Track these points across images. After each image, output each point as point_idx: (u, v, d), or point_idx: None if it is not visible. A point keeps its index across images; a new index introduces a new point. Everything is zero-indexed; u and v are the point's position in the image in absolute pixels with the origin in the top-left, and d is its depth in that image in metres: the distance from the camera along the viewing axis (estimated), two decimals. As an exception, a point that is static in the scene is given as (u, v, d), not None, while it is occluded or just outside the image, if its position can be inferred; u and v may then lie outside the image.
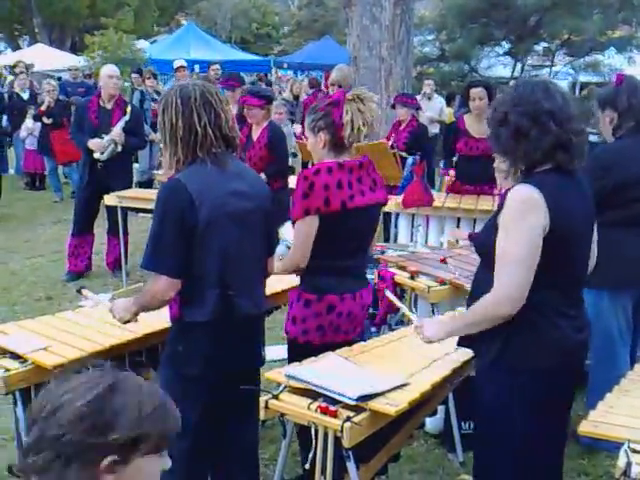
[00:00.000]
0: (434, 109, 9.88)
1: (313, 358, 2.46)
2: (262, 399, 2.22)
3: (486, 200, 5.14)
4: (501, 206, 2.11)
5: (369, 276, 3.87)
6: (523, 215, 2.02)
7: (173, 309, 2.41)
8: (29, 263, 6.67)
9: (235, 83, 6.18)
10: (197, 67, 15.23)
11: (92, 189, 5.86)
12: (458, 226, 5.16)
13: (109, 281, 5.99)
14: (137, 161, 9.67)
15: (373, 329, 4.06)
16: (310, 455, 2.22)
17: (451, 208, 5.14)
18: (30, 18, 25.54)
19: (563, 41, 12.65)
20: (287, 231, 2.95)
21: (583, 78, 13.38)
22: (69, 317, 3.02)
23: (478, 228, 5.04)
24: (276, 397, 2.22)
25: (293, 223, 2.68)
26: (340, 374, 2.27)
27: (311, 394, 2.18)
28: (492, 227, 2.12)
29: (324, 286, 2.70)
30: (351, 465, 2.17)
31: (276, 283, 3.13)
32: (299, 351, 2.61)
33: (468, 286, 3.36)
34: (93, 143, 5.73)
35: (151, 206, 5.42)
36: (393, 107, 6.46)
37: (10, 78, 12.59)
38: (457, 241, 4.46)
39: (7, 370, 2.49)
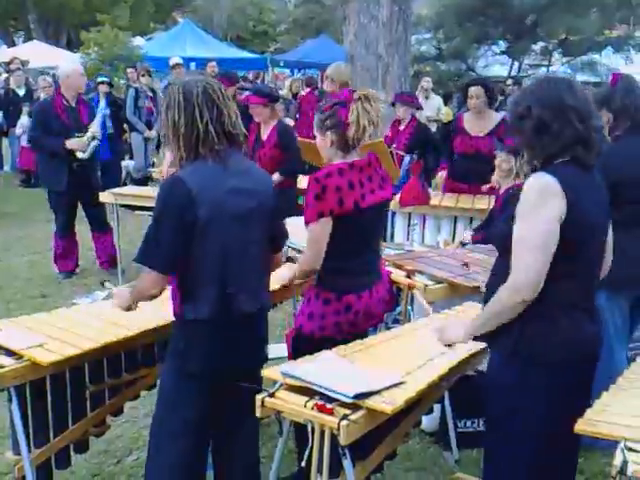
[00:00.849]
0: (431, 108, 9.88)
1: (309, 356, 2.45)
2: (258, 397, 2.21)
3: (483, 199, 5.15)
4: (516, 199, 2.13)
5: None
6: (540, 202, 2.04)
7: (174, 306, 2.42)
8: (24, 260, 6.66)
9: (226, 82, 6.15)
10: (193, 65, 15.18)
11: (73, 191, 5.75)
12: (455, 225, 5.17)
13: (105, 279, 5.96)
14: (132, 158, 9.67)
15: (370, 328, 4.06)
16: (306, 453, 2.22)
17: (448, 207, 5.14)
18: (25, 14, 25.46)
19: (560, 40, 12.67)
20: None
21: (580, 78, 13.38)
22: (64, 314, 3.01)
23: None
24: (272, 395, 2.21)
25: (306, 225, 2.69)
26: (337, 372, 2.26)
27: (307, 392, 2.17)
28: (510, 218, 2.14)
29: (342, 286, 2.75)
30: (347, 463, 2.17)
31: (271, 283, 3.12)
32: (312, 346, 2.60)
33: (465, 284, 3.38)
34: (73, 143, 5.60)
35: (146, 203, 5.51)
36: (393, 105, 6.45)
37: (5, 75, 12.55)
38: (462, 243, 4.44)
39: (1, 367, 2.48)
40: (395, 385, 2.23)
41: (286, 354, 2.87)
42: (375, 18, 7.12)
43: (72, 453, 2.86)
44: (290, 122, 8.55)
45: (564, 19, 11.48)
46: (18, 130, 9.97)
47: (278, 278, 2.98)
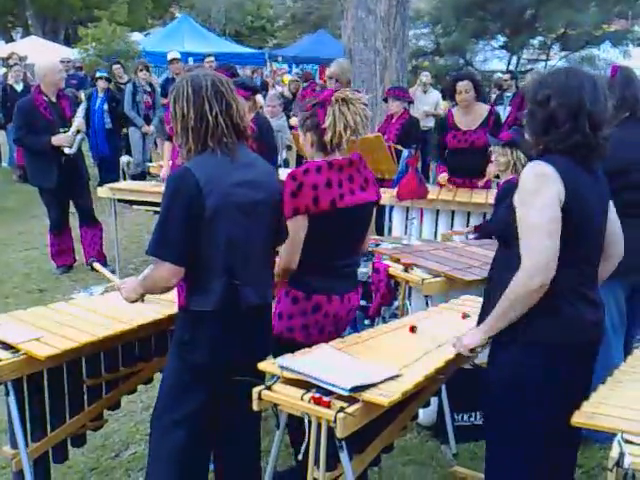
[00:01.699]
0: (430, 103, 9.87)
1: (306, 349, 2.45)
2: (255, 389, 2.21)
3: (480, 193, 5.15)
4: (511, 190, 2.13)
5: (363, 270, 3.89)
6: (539, 187, 2.04)
7: (180, 297, 2.41)
8: (22, 255, 6.66)
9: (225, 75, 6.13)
10: (191, 60, 15.13)
11: (63, 187, 5.73)
12: (452, 219, 5.17)
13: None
14: (130, 154, 9.64)
15: (367, 321, 4.06)
16: (303, 446, 2.22)
17: (445, 201, 5.15)
18: (23, 10, 25.40)
19: (559, 35, 12.64)
20: None
21: (578, 72, 13.35)
22: (62, 308, 3.00)
23: (472, 221, 5.06)
24: (269, 388, 2.21)
25: None
26: (333, 365, 2.26)
27: (304, 385, 2.17)
28: (508, 208, 2.13)
29: (313, 285, 2.69)
30: (344, 456, 2.17)
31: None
32: (282, 347, 2.57)
33: (462, 278, 3.38)
34: (59, 139, 5.58)
35: (144, 198, 5.49)
36: (385, 100, 6.45)
37: (4, 70, 12.51)
38: (467, 236, 4.45)
39: (-1, 360, 2.48)
40: (392, 378, 2.23)
41: None
42: (373, 12, 7.10)
43: (69, 447, 2.86)
44: (293, 120, 8.53)
45: (563, 13, 11.44)
46: (16, 126, 9.93)
47: None
